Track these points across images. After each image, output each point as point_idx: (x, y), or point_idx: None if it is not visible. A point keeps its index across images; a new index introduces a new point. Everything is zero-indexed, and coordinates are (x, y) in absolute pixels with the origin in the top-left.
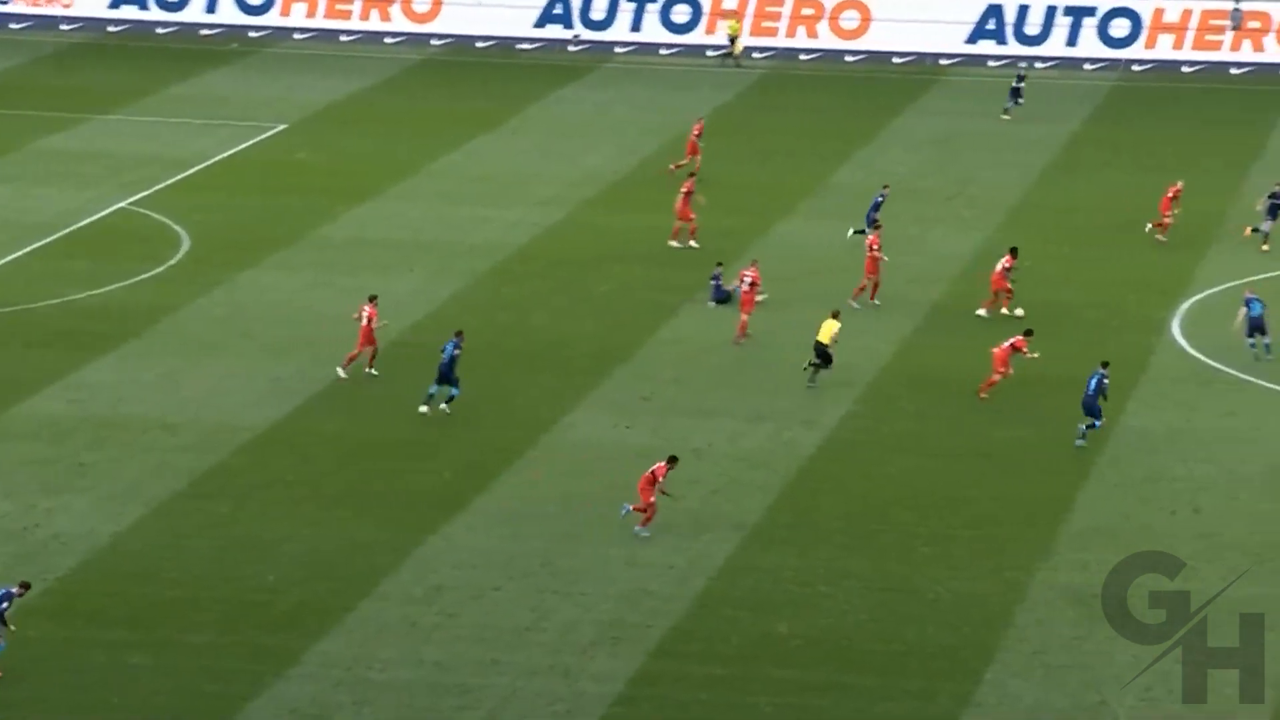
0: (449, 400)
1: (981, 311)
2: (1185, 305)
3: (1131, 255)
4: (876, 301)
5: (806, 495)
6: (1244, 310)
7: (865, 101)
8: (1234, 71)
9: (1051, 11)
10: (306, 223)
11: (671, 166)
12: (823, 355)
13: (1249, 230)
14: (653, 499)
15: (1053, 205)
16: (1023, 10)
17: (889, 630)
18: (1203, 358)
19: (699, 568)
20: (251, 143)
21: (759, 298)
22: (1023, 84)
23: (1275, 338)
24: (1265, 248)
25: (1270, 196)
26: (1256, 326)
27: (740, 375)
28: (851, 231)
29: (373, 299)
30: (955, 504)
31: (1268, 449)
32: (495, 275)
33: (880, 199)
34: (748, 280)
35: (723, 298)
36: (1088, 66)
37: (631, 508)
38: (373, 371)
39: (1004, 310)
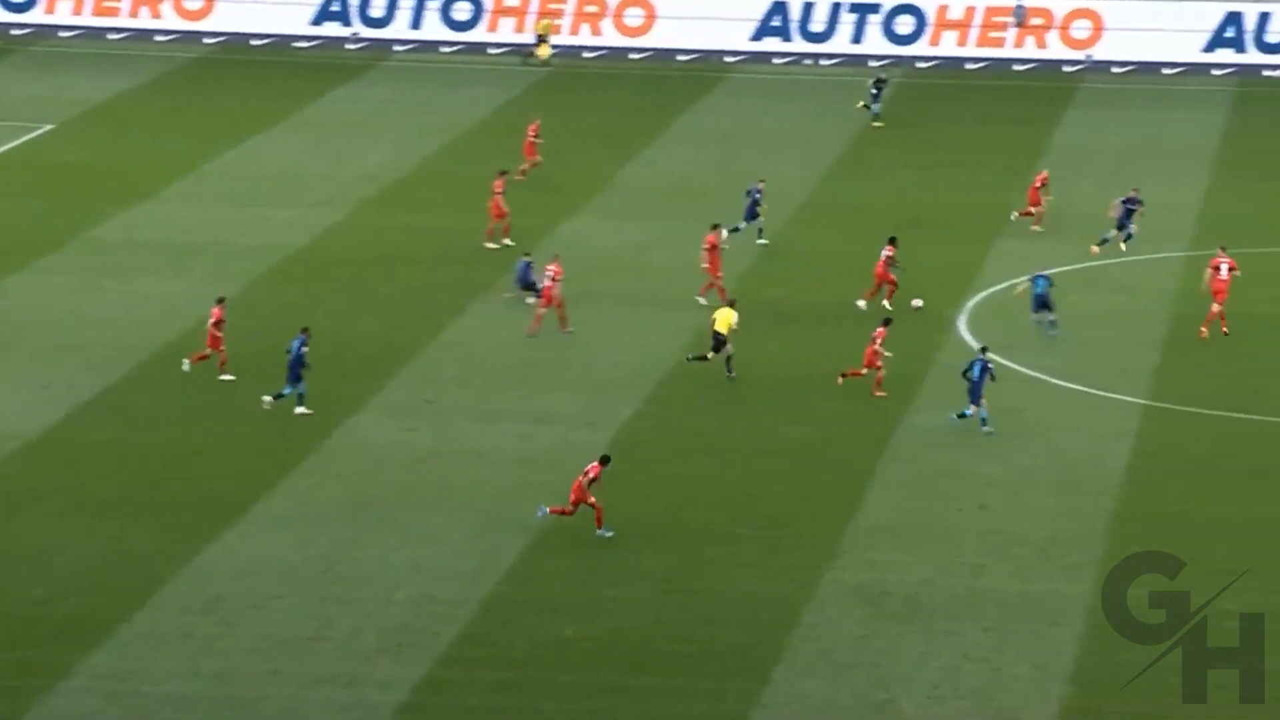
0: (277, 397)
1: (861, 303)
2: (971, 302)
3: (919, 253)
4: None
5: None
6: (1029, 286)
7: (650, 99)
8: (1017, 68)
9: (836, 9)
10: (75, 225)
11: (517, 175)
12: (719, 344)
13: (1095, 248)
14: (592, 499)
15: (841, 203)
16: (808, 7)
17: (678, 631)
18: (991, 355)
19: (486, 572)
20: (16, 143)
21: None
22: (883, 87)
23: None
24: (1124, 246)
25: (1125, 202)
26: (1042, 304)
27: (527, 376)
28: (726, 232)
29: (220, 301)
30: (744, 503)
31: (1054, 445)
32: (273, 277)
33: (757, 194)
34: (549, 275)
35: (529, 285)
36: (873, 64)
37: (549, 509)
38: (227, 378)
39: (886, 303)
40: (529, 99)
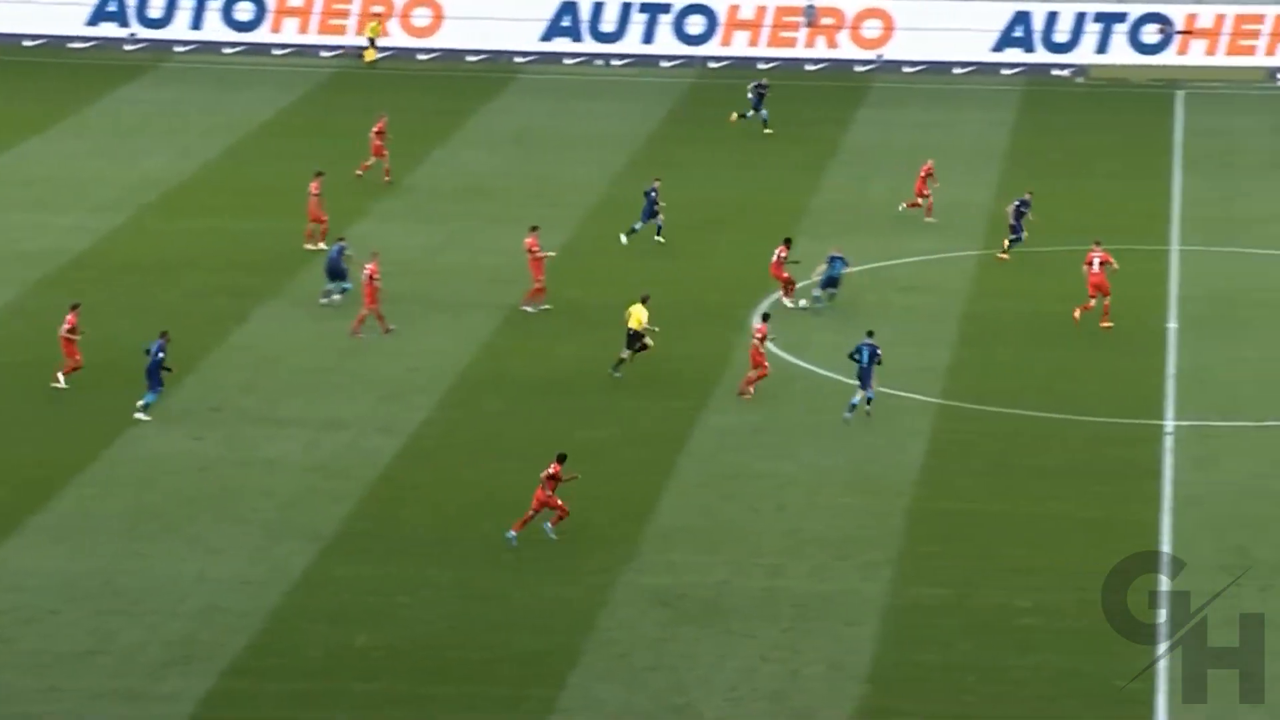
0: (144, 408)
1: (787, 301)
2: (766, 302)
3: (713, 252)
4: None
5: (386, 504)
6: (824, 267)
7: (440, 100)
8: (809, 68)
9: (627, 9)
10: None
11: (358, 171)
12: (634, 341)
13: (1002, 253)
14: (559, 502)
15: (635, 203)
16: (598, 8)
17: (473, 638)
18: (784, 355)
19: (275, 582)
20: None
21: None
22: (764, 93)
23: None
24: (1003, 256)
25: (1018, 205)
26: (830, 283)
27: (316, 382)
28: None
29: (74, 306)
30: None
31: (849, 445)
32: (51, 284)
33: (653, 193)
34: (366, 273)
35: (338, 273)
36: (665, 64)
37: (514, 531)
38: (60, 385)
39: (786, 301)
40: (317, 101)
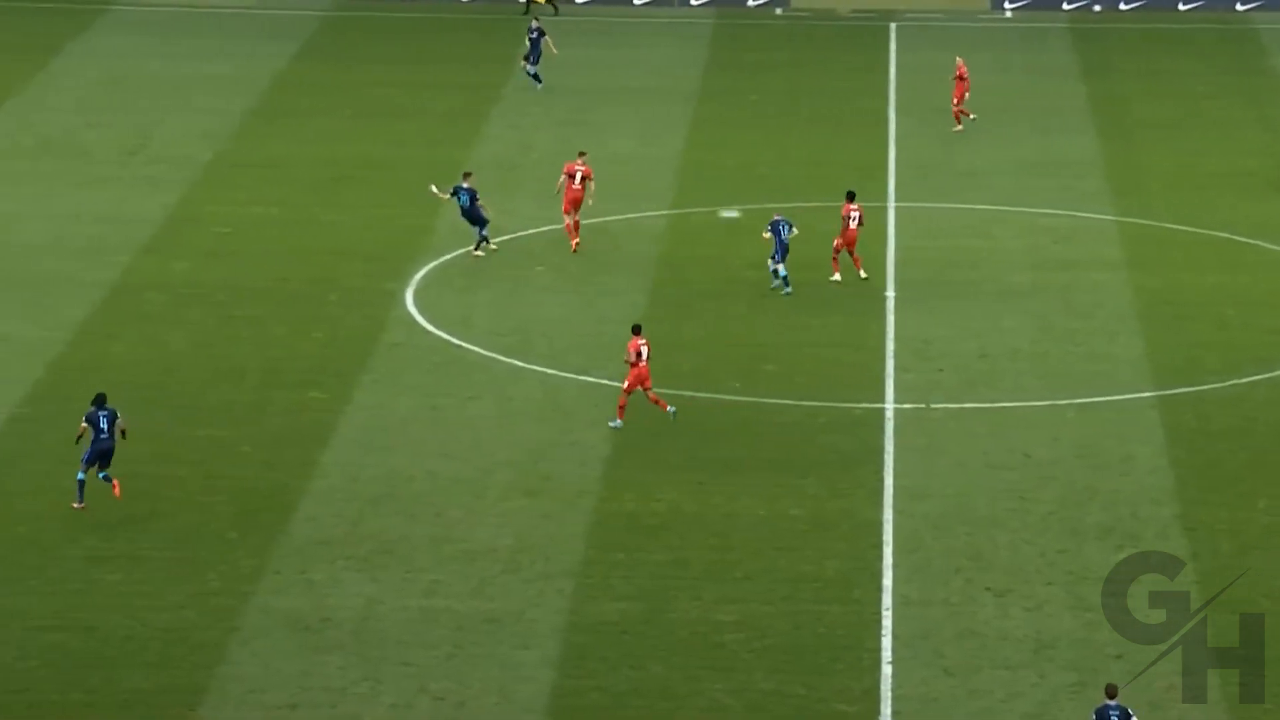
0: None
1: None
2: (420, 275)
3: (352, 216)
4: None
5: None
6: (770, 234)
7: (13, 38)
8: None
9: None
10: None
11: None
12: None
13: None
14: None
15: (255, 160)
16: None
17: (69, 677)
18: (441, 334)
19: None
20: None
21: None
22: (542, 38)
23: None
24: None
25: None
26: (781, 251)
27: None
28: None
29: None
30: (148, 520)
31: (518, 438)
32: None
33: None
34: None
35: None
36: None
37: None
38: None
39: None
40: None
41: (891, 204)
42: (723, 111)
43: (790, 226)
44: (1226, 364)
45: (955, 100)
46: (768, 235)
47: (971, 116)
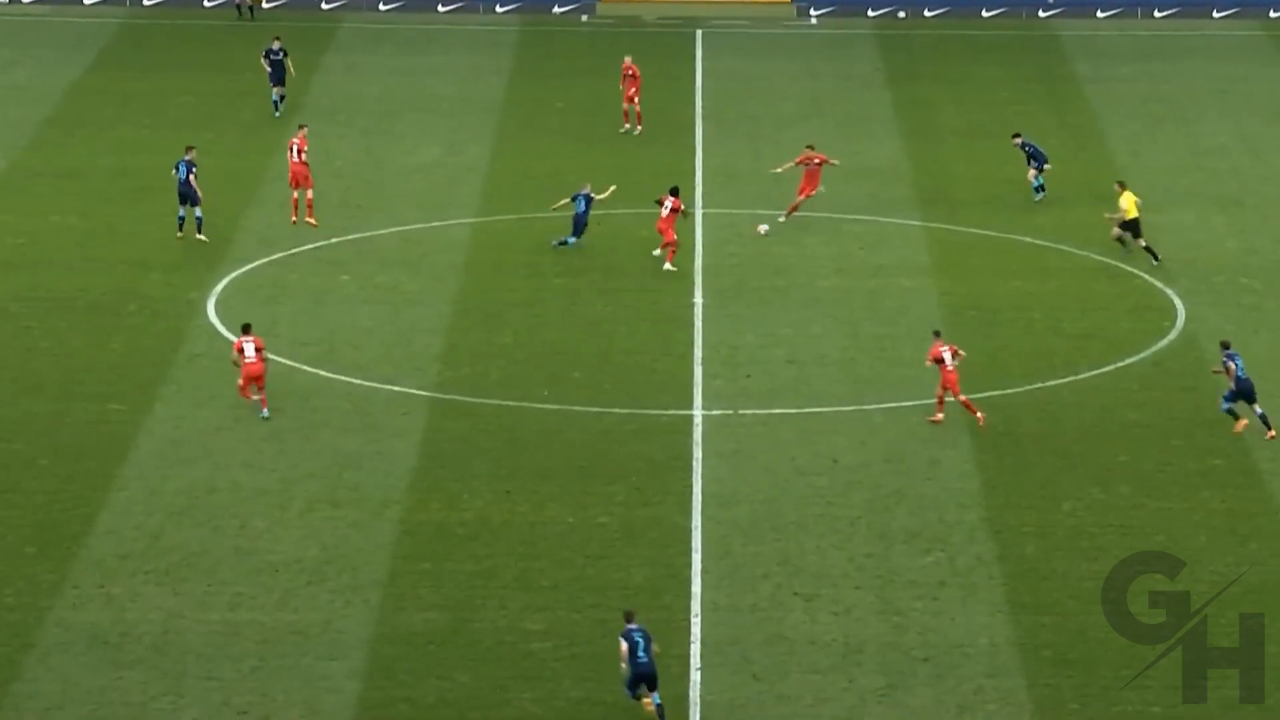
0: None
1: (669, 266)
2: (222, 284)
3: (152, 226)
4: None
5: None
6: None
7: None
8: (269, 4)
9: None
10: None
11: None
12: None
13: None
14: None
15: (52, 169)
16: None
17: None
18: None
19: None
20: None
21: None
22: (286, 58)
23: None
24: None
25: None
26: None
27: None
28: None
29: None
30: None
31: (326, 448)
32: None
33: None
34: None
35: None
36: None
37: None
38: None
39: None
40: None
41: (699, 210)
42: (530, 119)
43: (589, 202)
44: (1032, 368)
45: (629, 100)
46: (565, 201)
47: (628, 126)
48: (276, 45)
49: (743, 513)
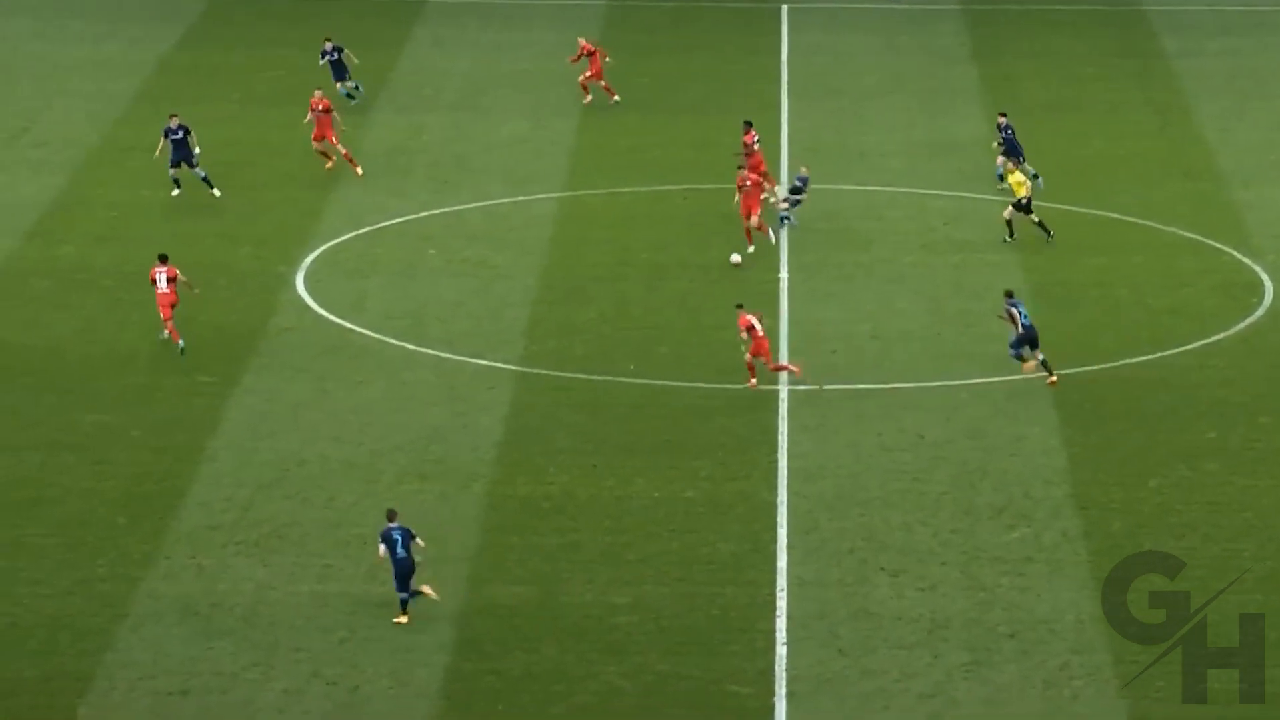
0: None
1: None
2: (310, 259)
3: (242, 200)
4: None
5: None
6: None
7: None
8: None
9: None
10: None
11: None
12: None
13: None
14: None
15: (143, 144)
16: None
17: None
18: (333, 318)
19: None
20: None
21: None
22: (341, 54)
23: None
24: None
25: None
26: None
27: None
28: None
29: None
30: (33, 506)
31: (413, 422)
32: None
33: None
34: None
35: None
36: None
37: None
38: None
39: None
40: None
41: (783, 186)
42: (616, 93)
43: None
44: (1118, 345)
45: (591, 74)
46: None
47: (592, 97)
48: (329, 46)
49: (828, 488)
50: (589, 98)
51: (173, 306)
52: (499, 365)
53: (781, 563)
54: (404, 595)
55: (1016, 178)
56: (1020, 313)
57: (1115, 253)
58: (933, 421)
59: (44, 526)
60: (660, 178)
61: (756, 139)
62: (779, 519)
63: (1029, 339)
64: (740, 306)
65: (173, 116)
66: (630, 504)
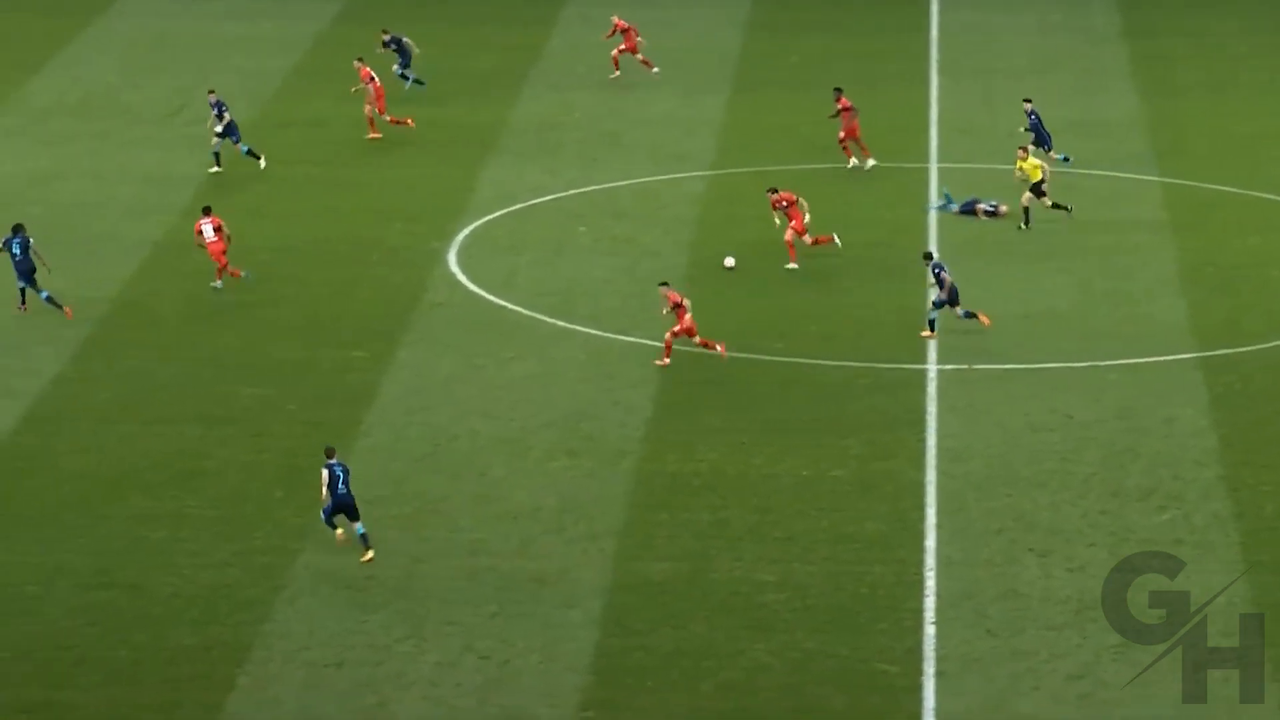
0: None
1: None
2: (463, 234)
3: (394, 175)
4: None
5: (7, 477)
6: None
7: None
8: None
9: None
10: None
11: None
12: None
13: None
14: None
15: (298, 119)
16: None
17: (115, 635)
18: (484, 293)
19: None
20: None
21: None
22: (403, 40)
23: None
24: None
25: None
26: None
27: None
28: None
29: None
30: (192, 478)
31: (562, 397)
32: None
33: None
34: None
35: None
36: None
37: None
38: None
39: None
40: None
41: (934, 164)
42: (763, 73)
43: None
44: (1270, 326)
45: (626, 48)
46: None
47: (641, 69)
48: (387, 38)
49: (976, 468)
50: (617, 72)
51: (224, 253)
52: (648, 342)
53: (929, 542)
54: (330, 525)
55: (1031, 162)
56: (947, 273)
57: (1270, 232)
58: (1081, 402)
59: (203, 499)
60: (809, 156)
61: (849, 105)
62: (927, 499)
63: (953, 299)
64: (665, 284)
65: (210, 92)
66: (778, 482)
